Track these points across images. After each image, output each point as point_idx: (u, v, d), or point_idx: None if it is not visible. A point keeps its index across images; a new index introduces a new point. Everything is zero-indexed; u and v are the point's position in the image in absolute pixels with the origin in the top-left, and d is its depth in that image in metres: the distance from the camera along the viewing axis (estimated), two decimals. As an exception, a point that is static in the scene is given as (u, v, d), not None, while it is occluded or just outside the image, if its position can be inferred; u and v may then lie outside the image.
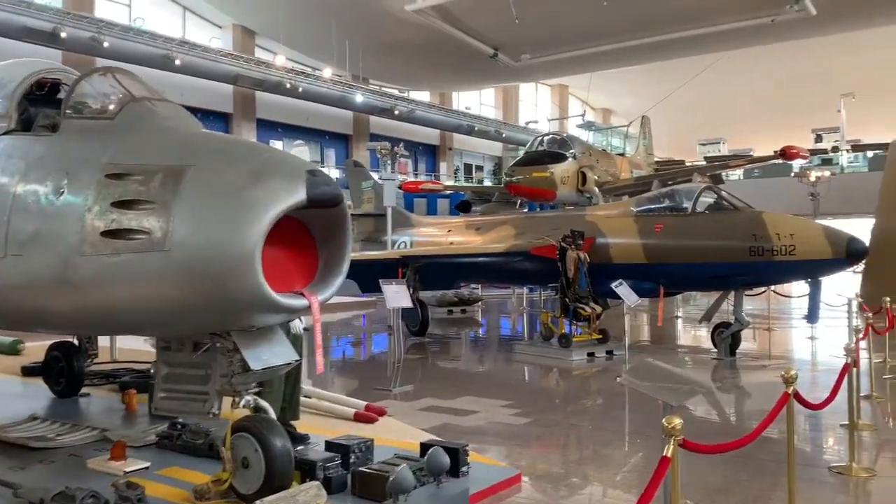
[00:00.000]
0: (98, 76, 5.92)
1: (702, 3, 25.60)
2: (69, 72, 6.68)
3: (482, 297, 23.92)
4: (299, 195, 4.54)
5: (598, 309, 13.33)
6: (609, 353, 13.12)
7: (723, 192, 13.23)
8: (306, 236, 5.16)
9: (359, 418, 7.66)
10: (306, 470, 5.21)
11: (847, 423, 6.58)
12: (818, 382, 10.68)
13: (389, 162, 18.20)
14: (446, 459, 4.76)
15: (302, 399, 8.30)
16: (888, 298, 11.82)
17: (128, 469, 5.74)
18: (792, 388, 4.72)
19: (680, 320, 19.70)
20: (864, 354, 10.25)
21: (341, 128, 34.97)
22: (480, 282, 22.34)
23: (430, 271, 16.26)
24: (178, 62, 23.58)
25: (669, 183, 19.93)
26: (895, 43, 36.29)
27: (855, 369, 6.62)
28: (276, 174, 4.64)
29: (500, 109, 46.75)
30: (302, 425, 7.26)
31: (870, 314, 9.83)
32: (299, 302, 4.78)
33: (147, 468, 5.80)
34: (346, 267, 5.15)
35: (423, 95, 39.96)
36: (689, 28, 26.93)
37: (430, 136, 41.30)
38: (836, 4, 25.51)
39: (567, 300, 13.25)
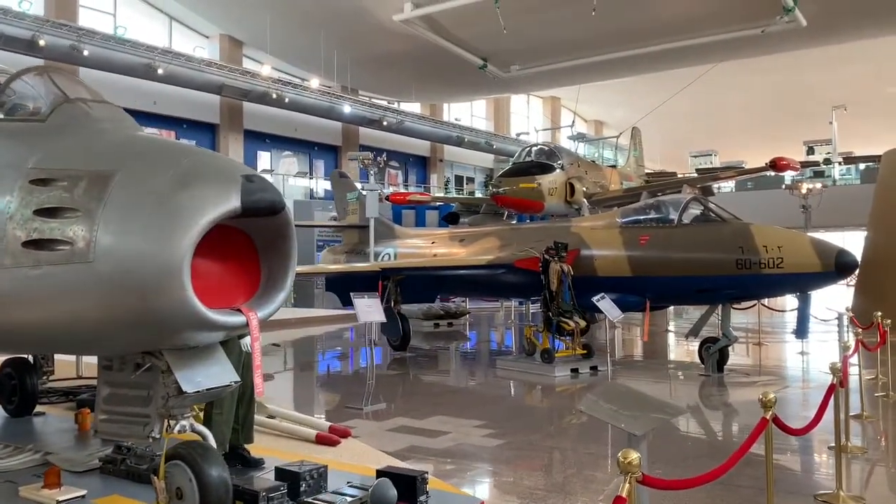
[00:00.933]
0: (32, 76, 5.57)
1: (691, 14, 25.42)
2: (3, 70, 6.31)
3: (469, 310, 23.52)
4: (232, 202, 4.18)
5: (583, 323, 12.95)
6: (593, 368, 12.74)
7: (710, 204, 12.89)
8: (248, 247, 4.80)
9: (321, 440, 7.25)
10: (248, 501, 4.81)
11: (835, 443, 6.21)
12: (808, 401, 10.32)
13: (373, 172, 17.84)
14: (393, 493, 4.36)
15: (264, 420, 7.92)
16: (880, 313, 11.46)
17: (61, 498, 5.33)
18: (771, 412, 4.35)
19: (671, 334, 19.35)
20: (854, 370, 9.87)
21: (330, 139, 34.65)
22: (464, 295, 21.97)
23: (412, 284, 15.89)
24: (160, 71, 23.22)
25: (659, 195, 19.63)
26: (885, 55, 36.27)
27: (842, 389, 6.26)
28: (208, 179, 4.28)
29: (491, 121, 46.53)
30: (260, 449, 6.88)
31: (860, 330, 9.45)
32: (235, 319, 4.41)
33: (83, 496, 5.40)
34: (290, 281, 4.79)
35: (413, 107, 39.72)
36: (679, 39, 26.75)
37: (421, 147, 41.02)
38: (827, 16, 25.33)
39: (550, 314, 12.89)
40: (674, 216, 12.71)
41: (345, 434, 7.48)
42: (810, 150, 37.86)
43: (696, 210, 12.65)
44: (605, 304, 10.59)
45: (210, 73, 25.37)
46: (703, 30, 26.31)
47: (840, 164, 33.06)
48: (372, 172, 17.88)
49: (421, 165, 42.36)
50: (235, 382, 4.92)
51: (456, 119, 40.28)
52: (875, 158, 28.33)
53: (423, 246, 18.25)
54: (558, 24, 26.51)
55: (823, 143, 36.72)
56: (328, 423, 7.69)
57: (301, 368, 14.78)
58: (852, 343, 8.95)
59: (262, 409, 8.41)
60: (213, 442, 4.87)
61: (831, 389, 5.70)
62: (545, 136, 41.74)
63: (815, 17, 24.65)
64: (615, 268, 13.24)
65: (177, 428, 4.73)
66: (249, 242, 4.81)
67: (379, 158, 18.20)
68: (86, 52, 21.42)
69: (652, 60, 29.86)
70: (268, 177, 31.23)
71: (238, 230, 4.72)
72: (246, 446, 6.56)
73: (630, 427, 3.63)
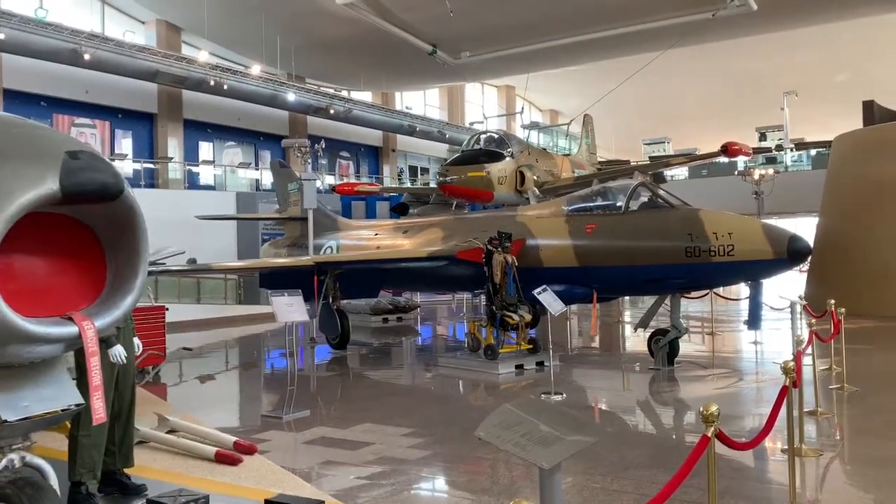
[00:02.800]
0: None
1: (642, -2, 24.94)
2: None
3: (419, 304, 22.73)
4: (48, 185, 3.36)
5: (528, 317, 12.28)
6: (539, 364, 12.11)
7: (658, 190, 12.28)
8: (90, 242, 3.96)
9: (220, 459, 6.43)
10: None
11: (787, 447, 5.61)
12: (761, 397, 9.79)
13: (310, 161, 16.92)
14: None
15: (161, 436, 7.06)
16: (833, 301, 10.99)
17: None
18: (713, 427, 3.66)
19: (623, 326, 18.84)
20: (808, 360, 9.35)
21: (276, 128, 33.45)
22: (409, 289, 21.21)
23: (352, 279, 15.06)
24: (87, 57, 21.84)
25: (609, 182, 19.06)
26: (835, 42, 36.43)
27: (796, 388, 5.65)
28: (20, 157, 3.44)
29: (445, 111, 45.73)
30: (149, 471, 6.05)
31: (813, 320, 8.93)
32: (62, 329, 3.58)
33: None
34: (140, 282, 3.95)
35: (364, 96, 38.68)
36: (630, 24, 26.25)
37: (373, 137, 40.04)
38: (776, 1, 25.07)
39: (494, 308, 12.19)
40: (621, 203, 12.08)
41: (250, 450, 6.67)
42: (762, 137, 37.88)
43: (643, 196, 12.03)
44: (547, 296, 9.91)
45: (143, 58, 24.03)
46: (654, 14, 25.84)
47: (792, 150, 33.02)
48: (308, 161, 16.93)
49: (373, 156, 41.39)
50: (78, 405, 4.08)
51: (407, 108, 39.29)
52: (826, 144, 28.27)
53: (367, 238, 17.40)
54: (508, 9, 25.80)
55: (775, 129, 36.75)
56: (233, 439, 6.85)
57: (230, 371, 13.85)
58: (805, 335, 8.43)
59: (163, 422, 7.56)
60: (51, 478, 4.03)
61: (783, 393, 5.07)
62: (499, 124, 41.06)
63: (765, 2, 24.36)
64: (561, 258, 12.58)
65: (3, 462, 3.88)
66: (91, 236, 3.98)
67: (317, 146, 17.24)
68: (1, 36, 19.99)
69: (604, 47, 29.35)
70: (210, 168, 30.05)
71: (75, 220, 3.88)
72: (126, 471, 5.71)
73: (537, 458, 2.90)
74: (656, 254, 11.26)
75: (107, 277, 3.98)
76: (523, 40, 28.49)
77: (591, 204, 12.68)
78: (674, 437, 7.99)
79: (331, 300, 14.48)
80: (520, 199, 20.30)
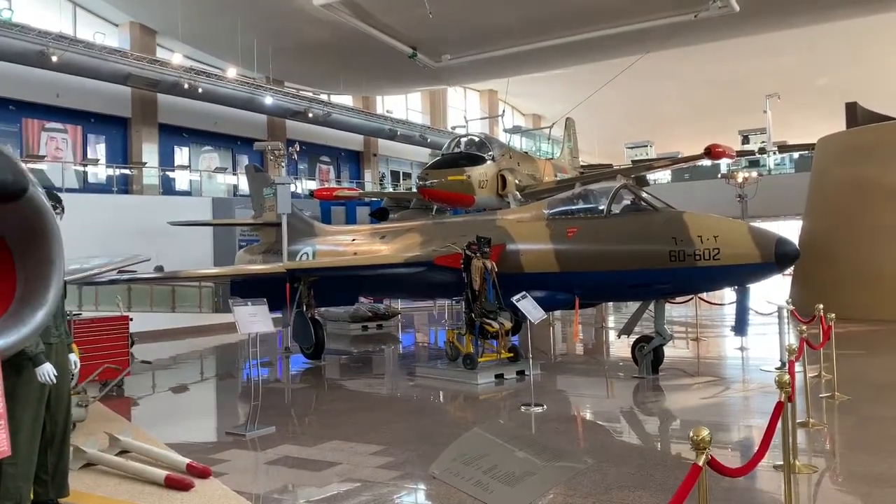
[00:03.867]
0: None
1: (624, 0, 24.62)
2: None
3: (399, 311, 22.26)
4: (-70, 183, 2.88)
5: (508, 325, 11.82)
6: (520, 373, 11.68)
7: (641, 192, 11.89)
8: (-2, 250, 3.49)
9: (171, 483, 5.92)
10: None
11: (782, 462, 5.21)
12: (749, 407, 9.41)
13: (284, 165, 16.40)
14: None
15: (109, 458, 6.54)
16: (821, 306, 10.66)
17: None
18: (704, 457, 3.23)
19: (608, 332, 18.45)
20: (797, 367, 8.97)
21: (254, 133, 32.76)
22: (387, 296, 20.73)
23: (327, 286, 14.57)
24: (55, 59, 21.14)
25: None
26: (816, 46, 36.42)
27: (790, 403, 5.24)
28: None
29: (427, 115, 45.25)
30: (92, 498, 5.54)
31: (804, 327, 8.55)
32: (-46, 351, 3.09)
33: None
34: (53, 293, 3.47)
35: (346, 100, 38.15)
36: (612, 26, 25.89)
37: (354, 142, 39.43)
38: (758, 3, 24.87)
39: (473, 315, 11.74)
40: (603, 206, 11.68)
41: (203, 473, 6.17)
42: (745, 140, 37.72)
43: (626, 199, 11.64)
44: (526, 303, 9.47)
45: (114, 61, 23.31)
46: (636, 16, 25.50)
47: (775, 153, 32.85)
48: (282, 164, 16.40)
49: (354, 160, 40.78)
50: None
51: (388, 111, 38.72)
52: (809, 147, 28.10)
53: (344, 244, 16.91)
54: (488, 11, 25.38)
55: (758, 132, 36.60)
56: (187, 461, 6.35)
57: (198, 384, 13.27)
58: (794, 341, 8.05)
59: (113, 442, 7.05)
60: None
61: (779, 408, 4.65)
62: (482, 128, 40.66)
63: (747, 3, 24.14)
64: (542, 263, 12.17)
65: None
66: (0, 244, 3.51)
67: (291, 149, 16.72)
68: (-38, 37, 19.35)
69: (585, 50, 29.00)
70: (187, 174, 29.38)
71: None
72: (62, 501, 5.20)
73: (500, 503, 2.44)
74: (640, 258, 10.87)
75: (16, 290, 3.51)
76: (504, 43, 28.08)
77: (573, 207, 12.28)
78: (659, 450, 7.56)
79: (304, 308, 13.97)
80: (501, 203, 19.88)
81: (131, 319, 12.09)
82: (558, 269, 11.93)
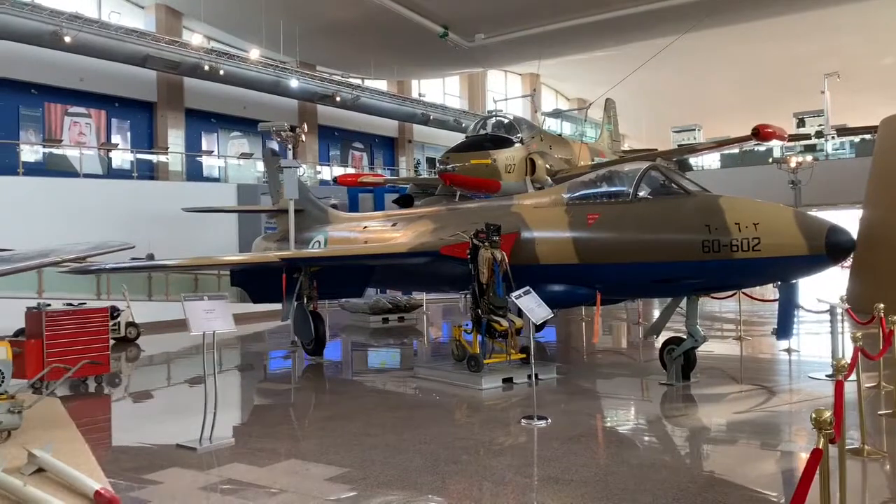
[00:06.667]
0: None
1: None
2: None
3: (421, 302, 21.13)
4: None
5: (519, 322, 10.56)
6: (532, 377, 10.39)
7: (672, 174, 10.44)
8: None
9: (63, 519, 4.89)
10: None
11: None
12: (793, 430, 7.97)
13: (290, 147, 15.39)
14: None
15: (6, 480, 5.55)
16: (882, 305, 9.14)
17: None
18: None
19: (641, 330, 17.00)
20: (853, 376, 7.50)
21: (285, 118, 31.56)
22: (396, 287, 19.67)
23: (333, 277, 13.50)
24: (68, 40, 20.54)
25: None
26: (879, 23, 33.87)
27: (833, 445, 3.92)
28: None
29: (465, 100, 43.93)
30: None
31: (859, 333, 7.10)
32: None
33: None
34: None
35: (380, 85, 37.10)
36: (650, 2, 24.20)
37: (388, 128, 38.44)
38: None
39: (480, 311, 10.52)
40: (628, 189, 10.28)
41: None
42: (801, 122, 35.29)
43: (655, 181, 10.21)
44: (528, 300, 8.22)
45: (130, 41, 22.67)
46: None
47: (833, 136, 30.58)
48: (289, 147, 15.39)
49: (389, 147, 39.79)
50: None
51: (420, 95, 37.44)
52: (871, 130, 25.91)
53: (356, 231, 15.84)
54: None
55: (815, 115, 34.19)
56: (96, 487, 5.32)
57: (176, 386, 12.15)
58: (847, 346, 6.64)
59: (32, 459, 6.09)
60: None
61: (816, 459, 3.33)
62: (523, 111, 39.14)
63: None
64: (560, 254, 10.85)
65: None
66: None
67: (298, 129, 15.68)
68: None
69: (624, 27, 27.37)
70: (214, 159, 28.57)
71: None
72: None
73: None
74: (668, 249, 9.47)
75: None
76: (538, 20, 26.64)
77: (595, 190, 10.90)
78: (678, 484, 6.20)
79: (305, 301, 12.94)
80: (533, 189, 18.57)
81: (115, 310, 11.24)
82: (577, 260, 10.60)
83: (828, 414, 3.49)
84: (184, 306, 7.15)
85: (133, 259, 16.08)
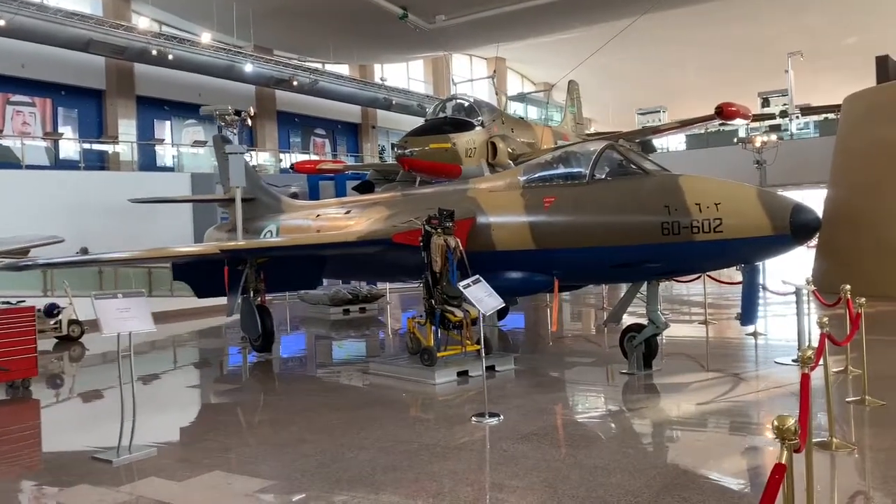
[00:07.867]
0: None
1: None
2: None
3: (383, 292, 20.53)
4: None
5: (474, 312, 10.00)
6: (490, 369, 9.87)
7: (630, 154, 9.94)
8: None
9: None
10: None
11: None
12: (762, 416, 7.55)
13: (235, 132, 14.66)
14: None
15: None
16: (848, 287, 8.75)
17: None
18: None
19: (602, 317, 16.57)
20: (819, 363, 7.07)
21: (242, 105, 30.75)
22: (352, 278, 19.10)
23: (283, 268, 12.81)
24: (2, 22, 19.47)
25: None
26: (842, 2, 33.81)
27: (798, 453, 3.43)
28: None
29: (430, 85, 43.21)
30: None
31: (826, 319, 6.66)
32: None
33: None
34: None
35: (342, 70, 36.19)
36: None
37: (351, 113, 37.61)
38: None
39: (433, 302, 9.97)
40: (585, 170, 9.78)
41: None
42: (765, 102, 35.16)
43: (612, 161, 9.71)
44: (477, 290, 7.68)
45: (71, 25, 21.60)
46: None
47: (797, 116, 30.43)
48: (234, 132, 14.66)
49: (352, 133, 38.97)
50: None
51: (382, 79, 36.66)
52: (835, 108, 25.75)
53: (309, 219, 15.17)
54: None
55: (779, 94, 34.07)
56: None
57: (109, 388, 11.47)
58: (813, 329, 6.20)
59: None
60: None
61: (779, 473, 2.83)
62: (488, 97, 38.51)
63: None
64: (516, 239, 10.32)
65: None
66: None
67: (244, 113, 14.94)
68: None
69: (588, 8, 26.88)
70: (169, 149, 27.59)
71: None
72: None
73: None
74: (626, 232, 9.00)
75: None
76: (500, 1, 25.99)
77: (551, 172, 10.38)
78: (633, 490, 5.69)
79: (251, 294, 12.27)
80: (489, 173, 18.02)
81: (39, 309, 10.48)
82: (534, 245, 10.08)
83: (791, 421, 2.98)
84: (94, 305, 6.47)
85: (78, 253, 15.30)
